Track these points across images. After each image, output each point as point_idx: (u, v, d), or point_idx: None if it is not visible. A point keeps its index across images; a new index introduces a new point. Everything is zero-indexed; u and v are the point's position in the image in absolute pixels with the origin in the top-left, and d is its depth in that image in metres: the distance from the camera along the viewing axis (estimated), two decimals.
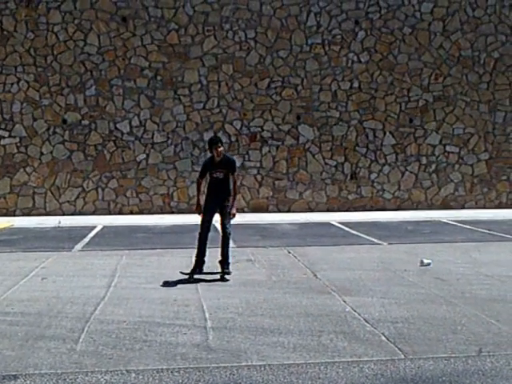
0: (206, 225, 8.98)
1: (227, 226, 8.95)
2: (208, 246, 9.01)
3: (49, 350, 5.63)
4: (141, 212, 17.62)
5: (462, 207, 18.70)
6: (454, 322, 6.47)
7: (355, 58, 18.20)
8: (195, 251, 9.07)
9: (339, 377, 4.92)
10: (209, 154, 9.26)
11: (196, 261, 9.00)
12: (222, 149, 8.95)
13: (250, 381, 4.85)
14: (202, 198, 9.07)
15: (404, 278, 8.84)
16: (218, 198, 8.95)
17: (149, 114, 17.62)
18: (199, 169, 9.47)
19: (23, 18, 17.13)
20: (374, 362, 5.25)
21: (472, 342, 5.79)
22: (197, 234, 9.07)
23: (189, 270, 9.09)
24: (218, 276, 8.83)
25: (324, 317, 6.71)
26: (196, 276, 8.85)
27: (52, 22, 17.21)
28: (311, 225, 15.55)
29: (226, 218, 8.96)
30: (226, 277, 8.79)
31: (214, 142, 8.94)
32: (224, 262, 8.90)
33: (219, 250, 8.98)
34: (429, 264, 9.70)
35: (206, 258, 9.01)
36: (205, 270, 8.96)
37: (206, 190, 9.14)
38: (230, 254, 9.07)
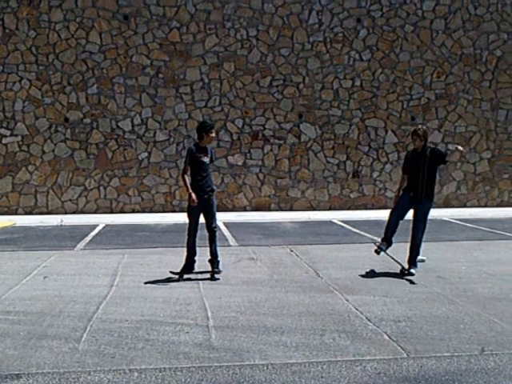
0: (194, 226, 8.84)
1: (212, 223, 8.82)
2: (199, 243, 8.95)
3: (51, 349, 5.63)
4: (143, 211, 17.62)
5: (464, 205, 18.68)
6: (456, 321, 6.46)
7: (357, 56, 18.18)
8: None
9: (342, 376, 4.91)
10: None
11: (186, 260, 8.89)
12: (214, 135, 8.85)
13: (253, 380, 4.84)
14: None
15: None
16: (204, 194, 8.69)
17: (150, 112, 17.61)
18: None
19: (25, 17, 17.12)
20: (376, 361, 5.24)
21: (475, 341, 5.78)
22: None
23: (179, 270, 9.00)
24: (208, 275, 8.75)
25: (326, 316, 6.70)
26: (186, 276, 8.77)
27: (54, 20, 17.20)
28: (313, 223, 15.54)
29: (209, 215, 8.81)
30: (216, 276, 8.72)
31: (210, 126, 8.76)
32: (213, 261, 8.82)
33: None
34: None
35: (196, 257, 8.90)
36: (201, 270, 8.88)
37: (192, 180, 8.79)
38: (219, 251, 8.97)
